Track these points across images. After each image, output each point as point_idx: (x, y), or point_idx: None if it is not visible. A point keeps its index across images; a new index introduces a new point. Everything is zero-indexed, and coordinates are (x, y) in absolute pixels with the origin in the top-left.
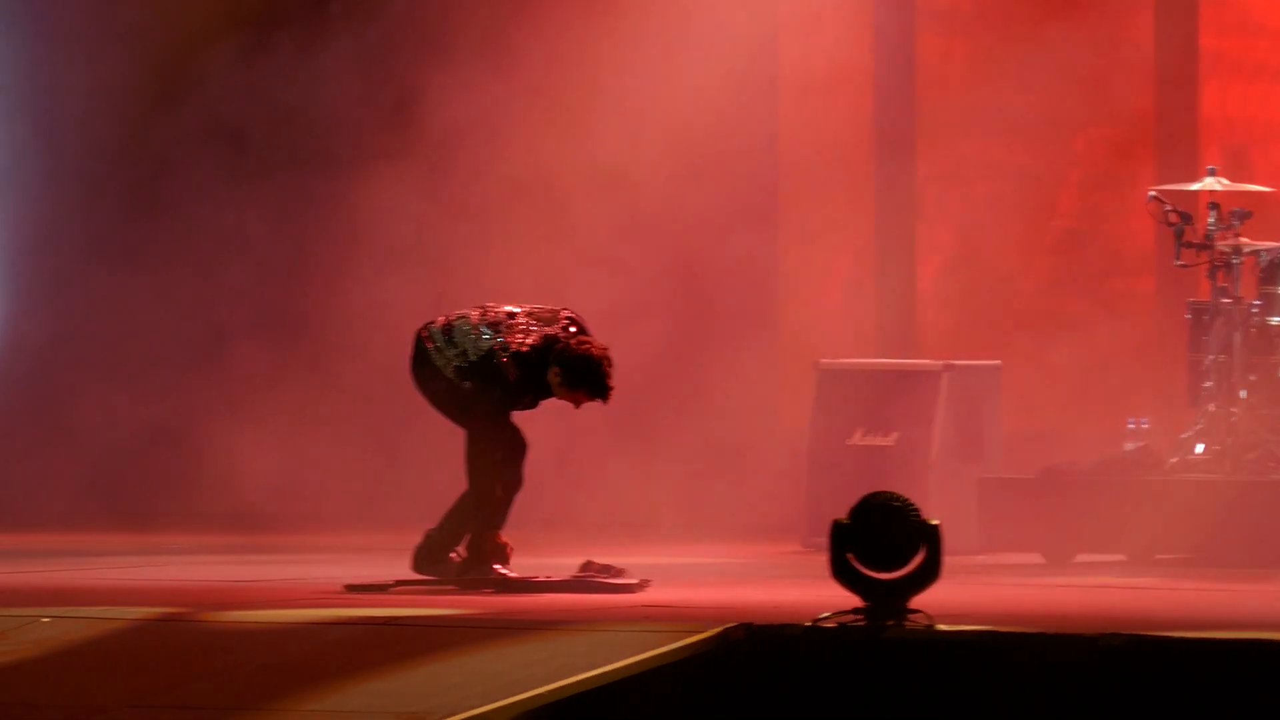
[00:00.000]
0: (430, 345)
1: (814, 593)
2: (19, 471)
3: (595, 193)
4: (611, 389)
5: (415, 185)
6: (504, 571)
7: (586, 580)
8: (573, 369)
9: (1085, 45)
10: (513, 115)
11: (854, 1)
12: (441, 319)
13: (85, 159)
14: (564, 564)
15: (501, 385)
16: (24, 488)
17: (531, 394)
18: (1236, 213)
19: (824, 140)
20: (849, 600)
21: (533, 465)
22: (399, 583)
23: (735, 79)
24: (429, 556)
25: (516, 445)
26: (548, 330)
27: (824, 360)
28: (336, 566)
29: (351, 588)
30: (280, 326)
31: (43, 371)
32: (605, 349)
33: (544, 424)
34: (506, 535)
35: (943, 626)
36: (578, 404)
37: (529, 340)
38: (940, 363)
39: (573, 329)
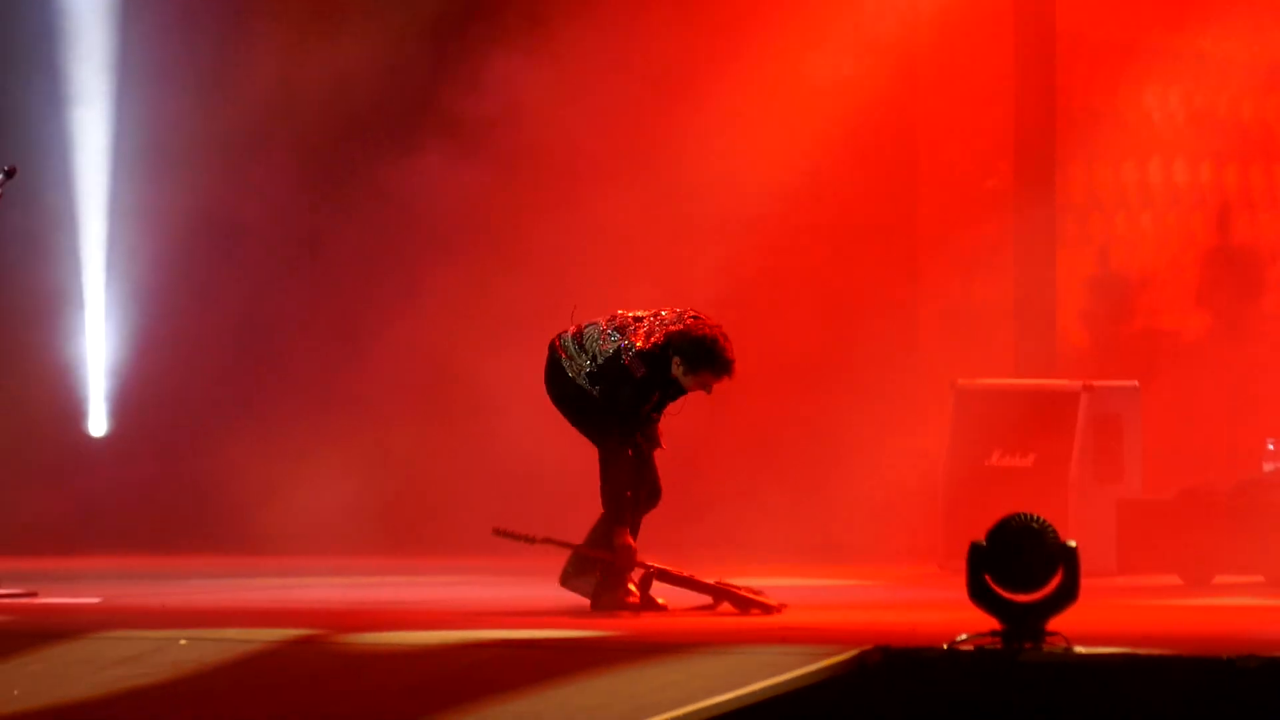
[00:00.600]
0: (563, 355)
1: (951, 615)
2: (124, 496)
3: (734, 217)
4: (732, 362)
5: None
6: (648, 563)
7: (728, 589)
8: (689, 352)
9: (1224, 66)
10: (656, 132)
11: (993, 25)
12: (573, 328)
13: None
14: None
15: (630, 384)
16: (127, 512)
17: (659, 389)
18: None
19: (964, 162)
20: (986, 622)
21: (671, 488)
22: (547, 539)
23: (875, 98)
24: (576, 571)
25: (647, 459)
26: (671, 328)
27: (962, 380)
28: (469, 589)
29: (499, 532)
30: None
31: (146, 397)
32: (718, 325)
33: (683, 447)
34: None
35: (1080, 649)
36: (708, 389)
37: (653, 338)
38: (1079, 383)
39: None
